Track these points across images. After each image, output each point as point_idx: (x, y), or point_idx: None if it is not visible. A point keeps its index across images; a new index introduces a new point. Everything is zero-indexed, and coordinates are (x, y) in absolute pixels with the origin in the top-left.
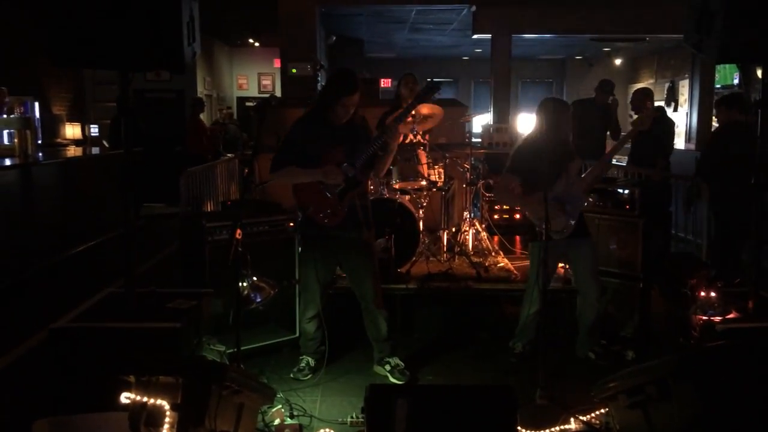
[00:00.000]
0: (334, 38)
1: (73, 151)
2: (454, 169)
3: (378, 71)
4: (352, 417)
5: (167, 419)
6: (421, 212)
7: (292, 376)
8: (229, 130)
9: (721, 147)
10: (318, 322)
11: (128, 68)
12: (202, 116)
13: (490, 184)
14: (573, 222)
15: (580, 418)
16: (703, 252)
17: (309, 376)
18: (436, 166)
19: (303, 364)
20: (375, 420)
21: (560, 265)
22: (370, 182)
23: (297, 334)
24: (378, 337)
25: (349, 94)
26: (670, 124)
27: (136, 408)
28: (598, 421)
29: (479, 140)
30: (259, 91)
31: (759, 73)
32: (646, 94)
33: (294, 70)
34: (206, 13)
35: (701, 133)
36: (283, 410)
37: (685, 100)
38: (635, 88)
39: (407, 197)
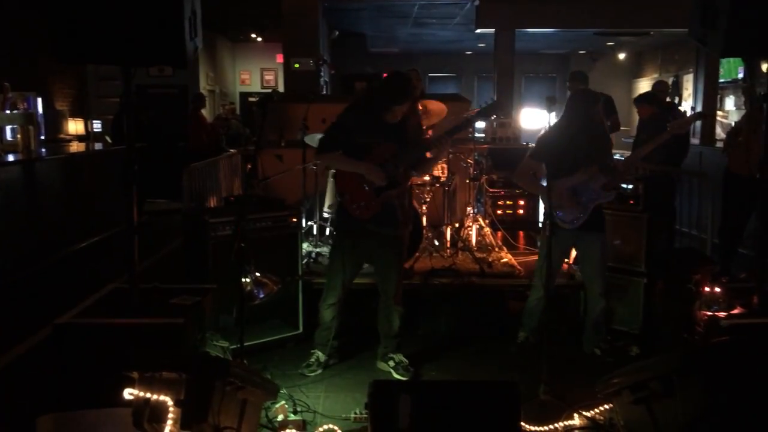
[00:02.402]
0: (337, 33)
1: (76, 147)
2: (458, 165)
3: (381, 66)
4: (355, 413)
5: (170, 415)
6: (424, 208)
7: (300, 371)
8: (232, 126)
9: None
10: (335, 312)
11: (131, 63)
12: (203, 112)
13: (493, 179)
14: (584, 215)
15: (584, 413)
16: (707, 247)
17: (317, 372)
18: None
19: (312, 359)
20: (379, 416)
21: (564, 260)
22: None
23: (300, 330)
24: (389, 333)
25: (398, 104)
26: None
27: (140, 404)
28: (601, 417)
29: (482, 135)
30: (262, 87)
31: (764, 67)
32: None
33: (297, 65)
34: (209, 9)
35: (705, 128)
36: (286, 406)
37: (689, 94)
38: (656, 80)
39: None
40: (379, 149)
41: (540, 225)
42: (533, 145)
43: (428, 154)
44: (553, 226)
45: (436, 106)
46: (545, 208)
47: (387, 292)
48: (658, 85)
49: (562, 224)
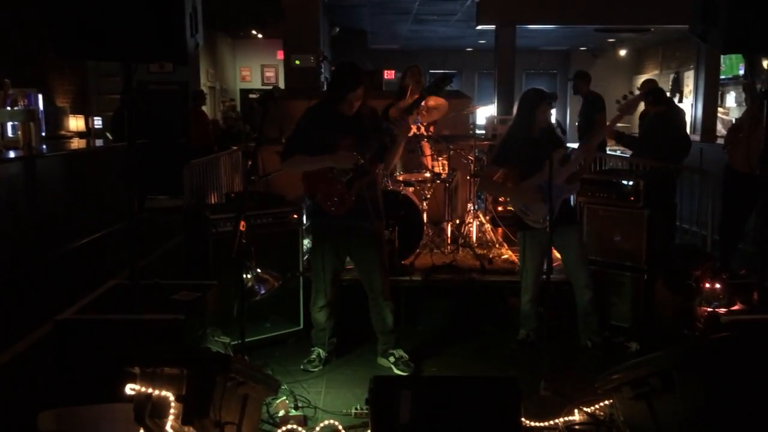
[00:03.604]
0: (338, 29)
1: (76, 144)
2: (458, 161)
3: (381, 63)
4: (356, 408)
5: (172, 410)
6: (425, 204)
7: (302, 367)
8: (234, 123)
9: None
10: (329, 312)
11: (132, 60)
12: (203, 108)
13: None
14: (553, 212)
15: (584, 409)
16: (708, 243)
17: (319, 367)
18: (440, 158)
19: (314, 356)
20: (379, 411)
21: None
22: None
23: (301, 326)
24: (383, 329)
25: (350, 90)
26: (676, 116)
27: (141, 399)
28: (602, 413)
29: (483, 132)
30: (262, 83)
31: (765, 63)
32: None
33: (297, 62)
34: (209, 5)
35: (706, 124)
36: (287, 401)
37: (690, 91)
38: (644, 79)
39: (411, 189)
40: (342, 143)
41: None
42: None
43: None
44: (526, 228)
45: (436, 102)
46: (518, 211)
47: (374, 288)
48: (648, 83)
49: (534, 225)
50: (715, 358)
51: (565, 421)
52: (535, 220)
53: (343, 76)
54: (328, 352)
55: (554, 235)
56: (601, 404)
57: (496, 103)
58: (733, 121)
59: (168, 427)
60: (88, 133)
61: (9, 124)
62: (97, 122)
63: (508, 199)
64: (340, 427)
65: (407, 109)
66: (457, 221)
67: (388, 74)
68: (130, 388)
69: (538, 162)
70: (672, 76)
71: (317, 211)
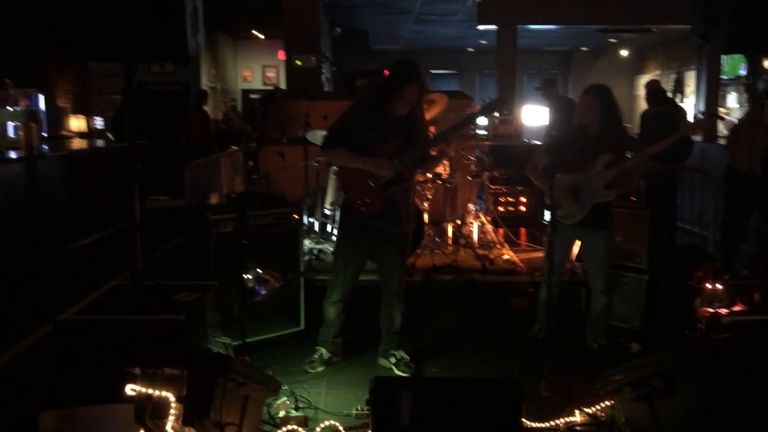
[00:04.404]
0: (339, 30)
1: (77, 144)
2: (459, 162)
3: (383, 63)
4: (357, 409)
5: (172, 411)
6: (426, 204)
7: (302, 368)
8: (234, 123)
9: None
10: (340, 308)
11: (132, 60)
12: (205, 108)
13: (495, 176)
14: (581, 212)
15: (585, 410)
16: (709, 244)
17: (320, 368)
18: None
19: (316, 356)
20: (380, 412)
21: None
22: None
23: (302, 327)
24: (390, 330)
25: (409, 83)
26: (677, 115)
27: (142, 400)
28: (603, 414)
29: (484, 132)
30: (264, 84)
31: (766, 63)
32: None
33: (299, 62)
34: (210, 5)
35: (707, 125)
36: (288, 402)
37: (692, 91)
38: (649, 79)
39: None
40: (385, 145)
41: (543, 221)
42: (535, 141)
43: (433, 152)
44: (555, 223)
45: (436, 96)
46: (549, 203)
47: (389, 288)
48: (651, 83)
49: (561, 219)
50: (717, 359)
51: (566, 422)
52: (562, 216)
53: (404, 70)
54: (332, 352)
55: (582, 236)
56: (603, 405)
57: None
58: (735, 121)
59: (168, 427)
60: (89, 134)
61: (10, 125)
62: (98, 122)
63: (544, 191)
64: (341, 428)
65: (455, 127)
66: (458, 222)
67: None
68: (130, 389)
69: (583, 159)
70: (673, 76)
71: (348, 208)
